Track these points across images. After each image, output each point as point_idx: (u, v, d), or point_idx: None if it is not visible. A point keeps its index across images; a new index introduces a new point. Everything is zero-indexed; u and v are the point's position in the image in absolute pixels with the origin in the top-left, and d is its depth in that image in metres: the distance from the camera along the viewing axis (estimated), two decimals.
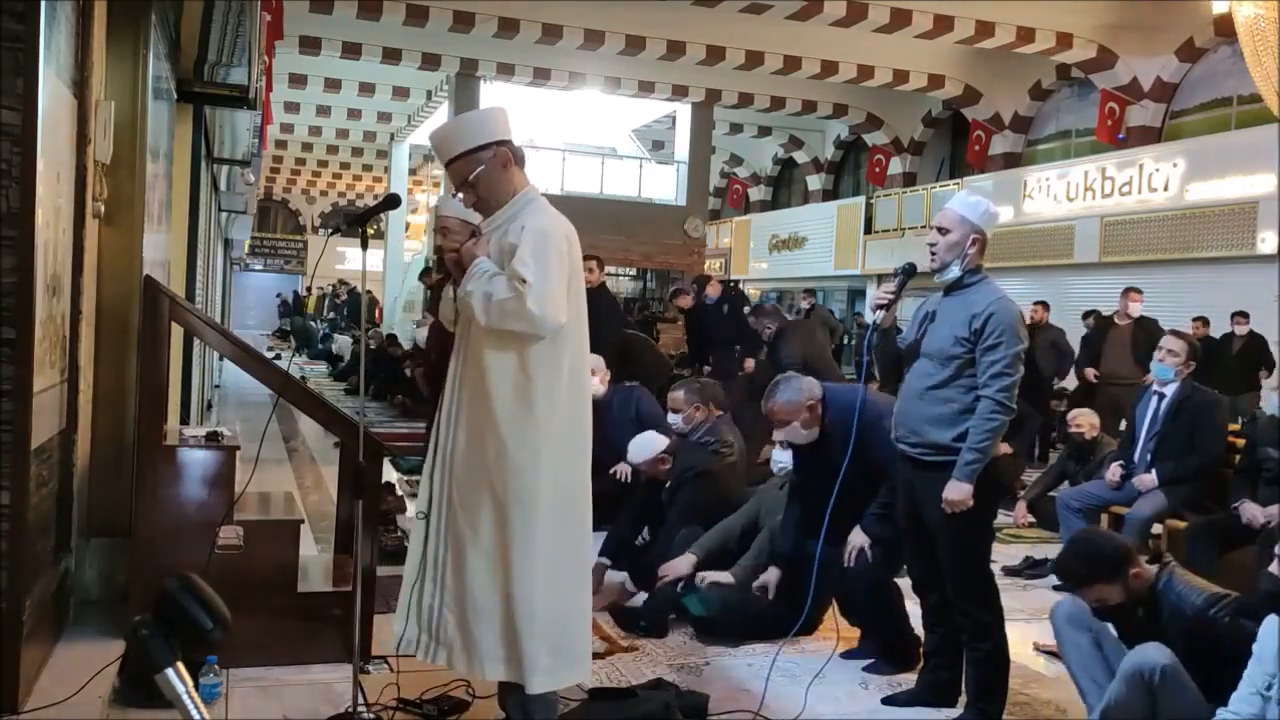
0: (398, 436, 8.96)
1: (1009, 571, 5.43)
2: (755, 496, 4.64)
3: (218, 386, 12.20)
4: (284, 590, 3.60)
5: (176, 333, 4.50)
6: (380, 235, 22.98)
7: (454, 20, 14.59)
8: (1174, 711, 2.79)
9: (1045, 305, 10.60)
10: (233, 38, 5.30)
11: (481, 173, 2.83)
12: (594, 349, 3.42)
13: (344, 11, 14.15)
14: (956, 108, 18.12)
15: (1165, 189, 13.24)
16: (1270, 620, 2.58)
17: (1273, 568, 3.91)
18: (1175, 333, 5.79)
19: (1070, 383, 10.42)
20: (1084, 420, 6.46)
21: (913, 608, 3.87)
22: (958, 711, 3.45)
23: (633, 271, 19.83)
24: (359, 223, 2.95)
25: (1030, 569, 5.51)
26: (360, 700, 2.96)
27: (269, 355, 8.25)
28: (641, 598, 4.48)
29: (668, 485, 4.76)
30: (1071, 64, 15.28)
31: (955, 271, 3.38)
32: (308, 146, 26.56)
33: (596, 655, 3.69)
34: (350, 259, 28.94)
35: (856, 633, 4.11)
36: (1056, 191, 14.98)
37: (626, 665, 3.85)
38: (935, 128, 19.80)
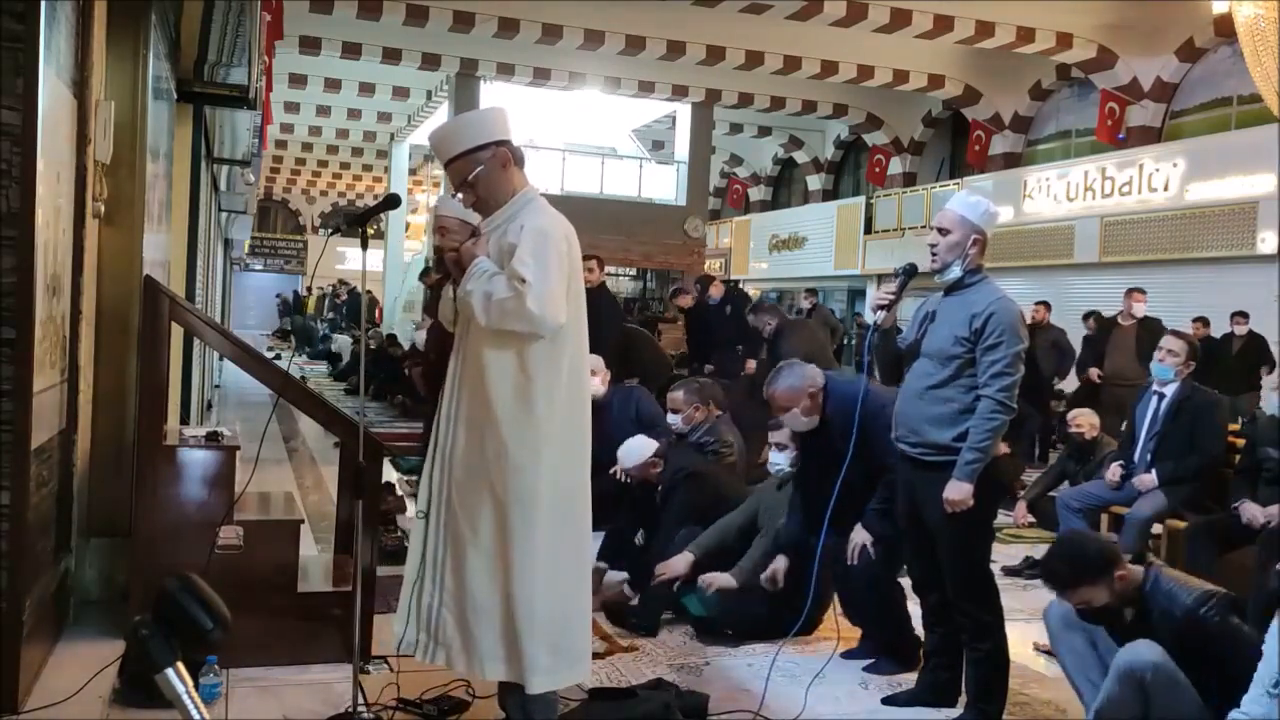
0: (398, 436, 8.96)
1: (1009, 571, 5.43)
2: (754, 495, 4.64)
3: (218, 386, 12.20)
4: (284, 590, 3.60)
5: (176, 333, 4.51)
6: (380, 235, 22.98)
7: (454, 20, 14.59)
8: (1167, 708, 2.78)
9: (1047, 305, 10.61)
10: (233, 38, 5.30)
11: (481, 173, 2.83)
12: (594, 349, 3.42)
13: (344, 11, 14.14)
14: (956, 108, 18.12)
15: (1165, 189, 13.24)
16: None
17: None
18: (1175, 333, 5.79)
19: (1070, 384, 10.43)
20: (1084, 420, 6.46)
21: (913, 608, 3.87)
22: (958, 711, 3.45)
23: (633, 271, 19.83)
24: (359, 223, 2.96)
25: (1030, 569, 5.51)
26: (360, 700, 2.96)
27: (269, 355, 8.25)
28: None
29: (660, 488, 4.75)
30: (1071, 64, 15.28)
31: (956, 272, 3.39)
32: (308, 146, 26.56)
33: (596, 655, 3.69)
34: (350, 259, 28.94)
35: (857, 633, 4.11)
36: (1056, 191, 14.98)
37: (626, 665, 3.84)
38: (935, 128, 19.80)
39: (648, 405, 6.11)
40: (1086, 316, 10.43)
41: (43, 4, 2.93)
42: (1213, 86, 14.37)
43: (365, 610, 3.31)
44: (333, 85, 18.76)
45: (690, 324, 10.30)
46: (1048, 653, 3.99)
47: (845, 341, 16.82)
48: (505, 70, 16.75)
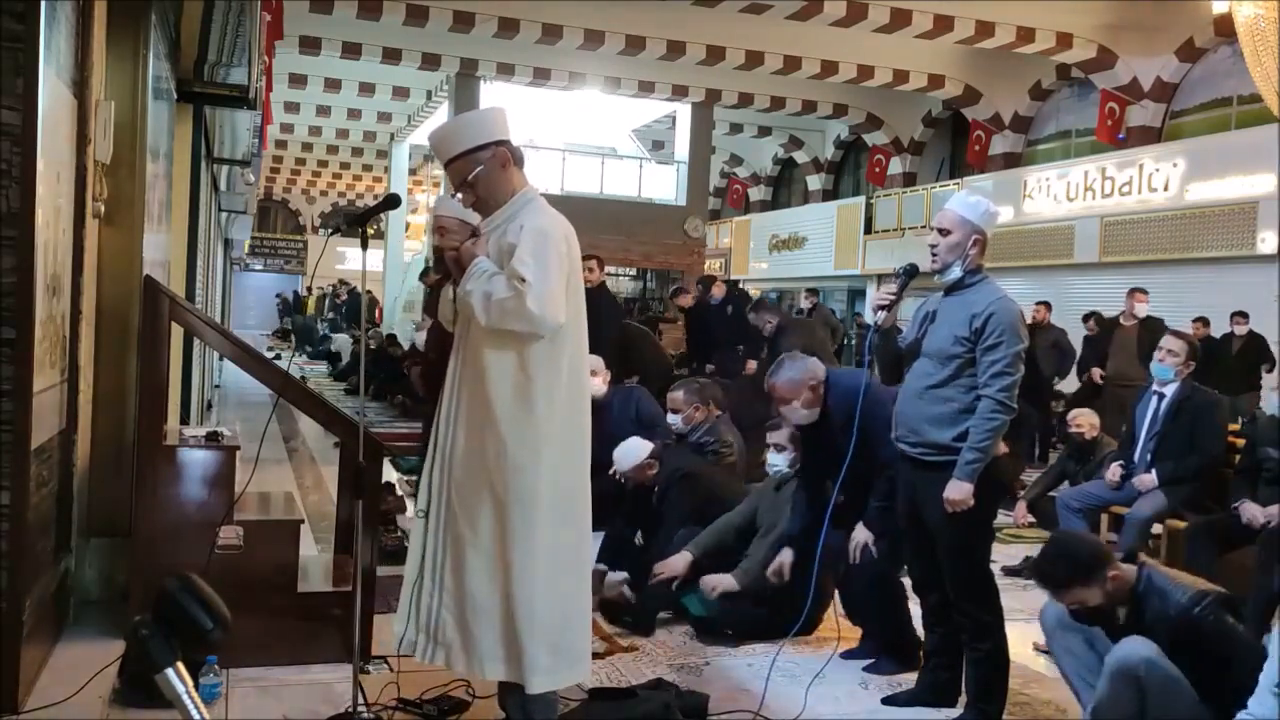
0: (398, 436, 8.96)
1: (1009, 571, 5.43)
2: (752, 495, 4.64)
3: (218, 386, 12.20)
4: (284, 590, 3.60)
5: (176, 333, 4.51)
6: (380, 235, 22.98)
7: (454, 20, 14.58)
8: (1165, 706, 2.78)
9: (1047, 305, 10.61)
10: (233, 38, 5.30)
11: (480, 173, 2.83)
12: (594, 349, 3.42)
13: (344, 11, 14.14)
14: (956, 108, 18.12)
15: (1165, 189, 13.24)
16: None
17: None
18: (1175, 333, 5.79)
19: (1070, 384, 10.42)
20: (1084, 420, 6.46)
21: (913, 608, 3.87)
22: (958, 711, 3.46)
23: (633, 271, 19.81)
24: (359, 223, 2.96)
25: (1030, 569, 5.51)
26: (360, 700, 2.96)
27: (269, 355, 8.25)
28: None
29: (656, 489, 4.75)
30: (1071, 64, 15.28)
31: (957, 272, 3.39)
32: (308, 146, 26.56)
33: (596, 655, 3.69)
34: (350, 259, 28.94)
35: (857, 633, 4.11)
36: (1056, 191, 14.98)
37: (626, 665, 3.84)
38: (935, 128, 19.80)
39: (648, 405, 6.11)
40: (1086, 318, 10.43)
41: (43, 4, 2.93)
42: (1213, 86, 14.37)
43: (365, 610, 3.32)
44: (333, 85, 18.76)
45: (690, 324, 10.31)
46: (1048, 653, 3.98)
47: (845, 341, 16.82)
48: (505, 70, 16.75)
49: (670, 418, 5.58)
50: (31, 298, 2.96)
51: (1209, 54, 14.28)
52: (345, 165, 29.14)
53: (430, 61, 16.48)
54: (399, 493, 6.44)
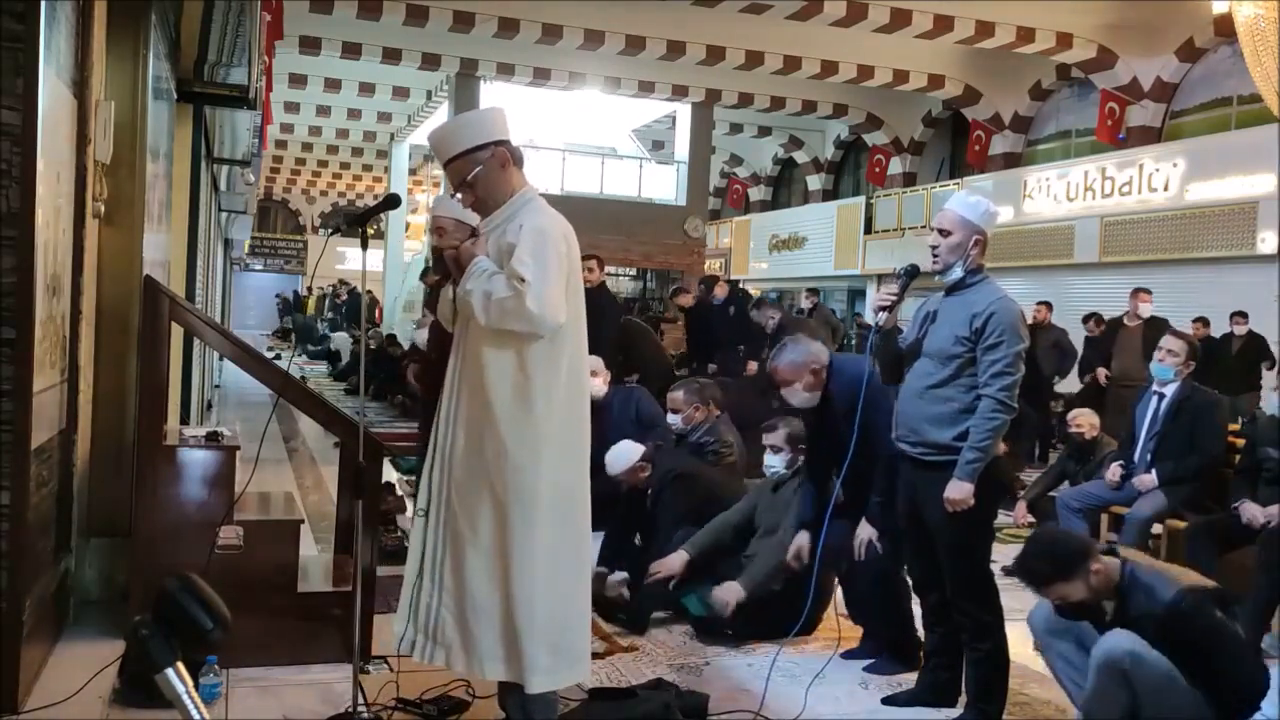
0: (398, 436, 8.95)
1: (1009, 571, 5.40)
2: (750, 494, 4.64)
3: (218, 386, 12.20)
4: (284, 590, 3.60)
5: (176, 333, 4.51)
6: (380, 235, 22.97)
7: (454, 20, 14.58)
8: (1157, 698, 2.77)
9: (1048, 305, 10.60)
10: (233, 38, 5.30)
11: (480, 173, 2.83)
12: (593, 349, 3.42)
13: (344, 11, 14.14)
14: (956, 108, 18.12)
15: (1165, 189, 13.24)
16: None
17: None
18: (1175, 333, 5.80)
19: (1071, 384, 10.42)
20: (1084, 420, 6.46)
21: (913, 607, 3.86)
22: (958, 711, 3.46)
23: (633, 271, 19.82)
24: (359, 223, 2.96)
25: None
26: (360, 700, 2.96)
27: (269, 355, 8.25)
28: None
29: (650, 491, 4.75)
30: (1071, 64, 15.28)
31: (958, 272, 3.39)
32: (308, 146, 26.55)
33: (596, 655, 3.69)
34: (350, 259, 28.93)
35: (857, 632, 4.11)
36: (1056, 191, 14.98)
37: (626, 665, 3.84)
38: (935, 128, 19.80)
39: (648, 405, 6.12)
40: (1087, 318, 10.43)
41: (43, 4, 2.93)
42: (1213, 86, 14.37)
43: (365, 610, 3.32)
44: (333, 85, 18.76)
45: (691, 324, 10.31)
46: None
47: (845, 341, 16.81)
48: (505, 70, 16.75)
49: (670, 418, 5.58)
50: (31, 298, 2.96)
51: (1209, 54, 14.28)
52: (345, 165, 29.14)
53: (430, 61, 16.48)
54: (399, 493, 6.44)
